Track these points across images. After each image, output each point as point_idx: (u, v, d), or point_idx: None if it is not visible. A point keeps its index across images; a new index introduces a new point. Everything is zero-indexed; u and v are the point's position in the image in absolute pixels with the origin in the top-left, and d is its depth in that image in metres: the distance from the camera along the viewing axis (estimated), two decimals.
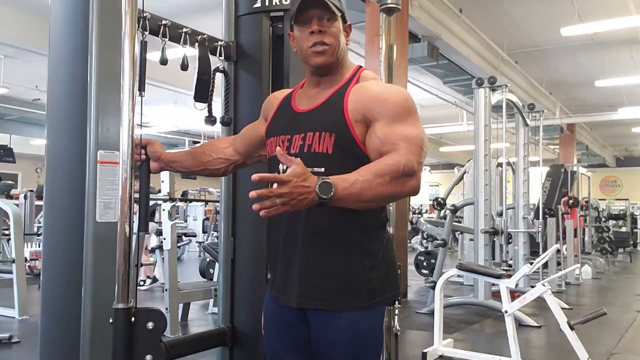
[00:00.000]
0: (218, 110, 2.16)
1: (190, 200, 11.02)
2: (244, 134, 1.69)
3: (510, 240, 5.55)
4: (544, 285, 3.18)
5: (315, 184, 1.17)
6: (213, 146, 1.70)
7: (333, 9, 1.38)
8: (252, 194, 1.11)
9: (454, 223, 6.31)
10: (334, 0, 1.39)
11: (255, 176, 1.12)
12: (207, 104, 2.09)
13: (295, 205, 1.15)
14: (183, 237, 8.75)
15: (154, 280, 6.45)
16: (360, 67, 1.49)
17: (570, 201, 8.57)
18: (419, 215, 13.93)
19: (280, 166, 1.41)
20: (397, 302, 2.02)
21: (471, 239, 6.46)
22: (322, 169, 1.34)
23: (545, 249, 5.61)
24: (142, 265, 5.86)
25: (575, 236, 8.21)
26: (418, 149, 1.32)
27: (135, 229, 1.52)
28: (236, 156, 1.68)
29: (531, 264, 3.94)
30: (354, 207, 1.26)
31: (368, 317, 1.39)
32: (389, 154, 1.30)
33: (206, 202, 10.67)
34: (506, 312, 3.23)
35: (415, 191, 1.31)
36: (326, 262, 1.36)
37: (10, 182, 6.23)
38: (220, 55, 2.10)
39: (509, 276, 3.49)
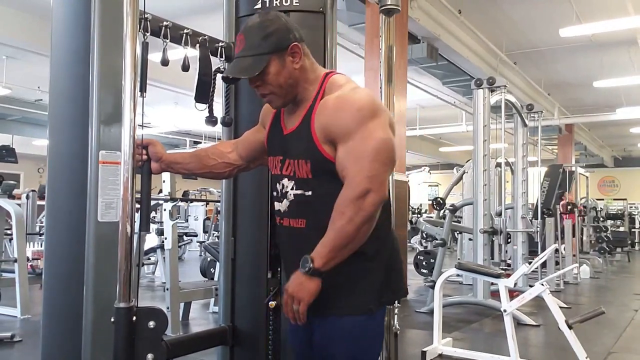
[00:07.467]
0: (219, 111, 2.17)
1: (191, 200, 11.03)
2: (246, 140, 1.72)
3: (509, 240, 5.56)
4: (542, 284, 3.19)
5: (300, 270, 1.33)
6: (217, 150, 1.72)
7: (249, 73, 1.39)
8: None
9: (453, 223, 6.31)
10: (249, 54, 1.40)
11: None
12: (207, 104, 2.10)
13: (304, 297, 1.32)
14: (184, 236, 8.75)
15: None
16: (328, 75, 1.48)
17: (569, 207, 8.55)
18: (419, 215, 13.94)
19: (278, 185, 1.50)
20: (397, 302, 2.04)
21: (470, 239, 6.47)
22: (310, 192, 1.41)
23: (543, 249, 5.62)
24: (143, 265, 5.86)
25: (574, 236, 8.22)
26: (367, 162, 1.32)
27: (136, 229, 1.53)
28: (239, 161, 1.71)
29: (530, 263, 3.95)
30: (350, 253, 1.34)
31: (368, 320, 1.42)
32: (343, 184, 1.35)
33: (207, 202, 10.67)
34: (505, 311, 3.24)
35: (379, 201, 1.33)
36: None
37: (12, 182, 6.23)
38: (221, 56, 2.11)
39: (508, 275, 3.50)
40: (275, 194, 1.52)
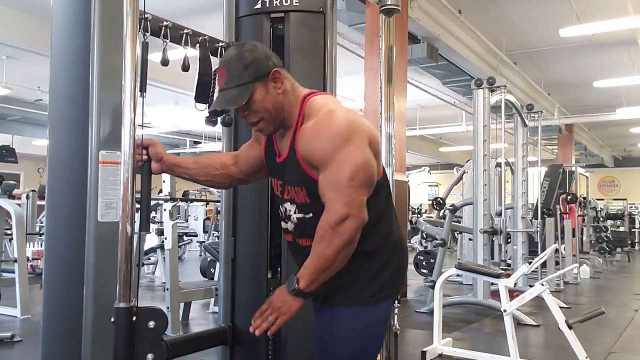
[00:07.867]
0: None
1: (191, 200, 11.03)
2: (244, 156, 1.75)
3: (509, 240, 5.56)
4: (542, 284, 3.19)
5: (286, 289, 1.39)
6: (220, 161, 1.75)
7: (236, 103, 1.43)
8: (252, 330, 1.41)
9: (453, 223, 6.31)
10: (233, 86, 1.42)
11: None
12: (208, 104, 2.10)
13: (286, 312, 1.38)
14: (184, 236, 8.75)
15: None
16: (306, 97, 1.50)
17: (569, 197, 8.60)
18: (419, 215, 13.95)
19: (281, 207, 1.55)
20: (396, 302, 2.05)
21: (470, 239, 6.47)
22: (311, 215, 1.46)
23: (543, 249, 5.62)
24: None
25: (574, 236, 8.23)
26: (344, 188, 1.36)
27: (136, 229, 1.53)
28: (240, 175, 1.76)
29: (530, 263, 3.95)
30: (333, 273, 1.39)
31: (367, 311, 1.47)
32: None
33: (207, 202, 10.66)
34: (505, 311, 3.25)
35: (358, 225, 1.37)
36: None
37: (12, 182, 6.22)
38: (221, 56, 2.11)
39: (508, 275, 3.50)
40: (280, 214, 1.58)
